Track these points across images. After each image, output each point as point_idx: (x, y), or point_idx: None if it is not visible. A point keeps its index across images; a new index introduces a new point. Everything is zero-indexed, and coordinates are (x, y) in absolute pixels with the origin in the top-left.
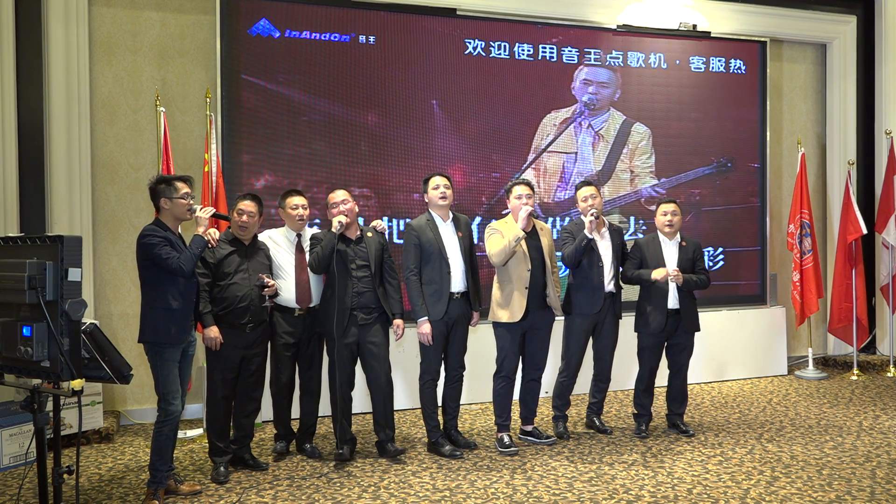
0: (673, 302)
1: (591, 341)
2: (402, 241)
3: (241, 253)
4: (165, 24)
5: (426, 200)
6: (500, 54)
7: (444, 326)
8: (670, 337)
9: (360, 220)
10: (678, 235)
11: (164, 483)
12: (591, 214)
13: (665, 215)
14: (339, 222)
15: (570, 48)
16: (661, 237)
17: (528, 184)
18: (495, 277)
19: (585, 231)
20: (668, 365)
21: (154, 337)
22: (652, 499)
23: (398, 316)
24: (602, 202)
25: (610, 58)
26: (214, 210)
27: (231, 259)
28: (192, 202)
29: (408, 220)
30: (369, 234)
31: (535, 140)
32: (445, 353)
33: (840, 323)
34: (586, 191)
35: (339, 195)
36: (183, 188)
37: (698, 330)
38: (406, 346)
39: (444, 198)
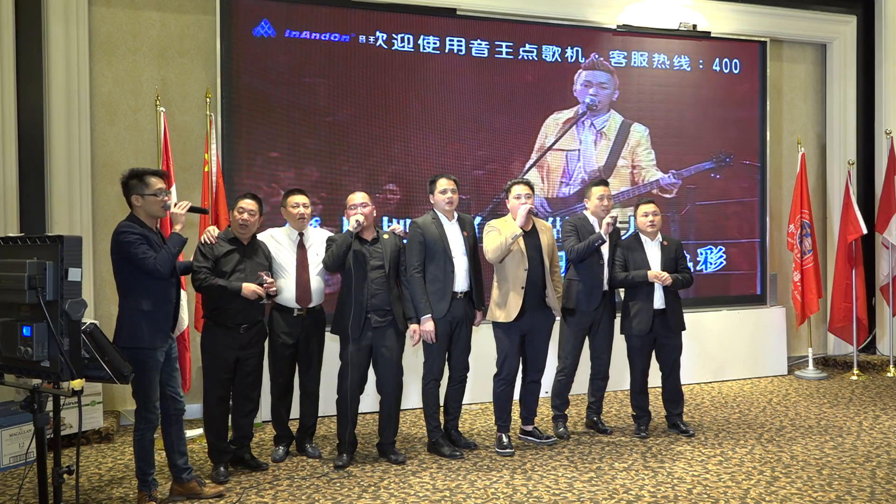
0: (659, 302)
1: (587, 341)
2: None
3: (239, 252)
4: (165, 24)
5: (432, 201)
6: (492, 54)
7: (447, 326)
8: (658, 337)
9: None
10: (659, 235)
11: (155, 484)
12: (611, 218)
13: (646, 216)
14: (357, 221)
15: (569, 48)
16: (643, 238)
17: (528, 183)
18: (494, 276)
19: (602, 231)
20: (659, 367)
21: (130, 342)
22: (652, 499)
23: (414, 320)
24: (612, 203)
25: (610, 58)
26: (191, 205)
27: (229, 258)
28: (166, 199)
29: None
30: (385, 237)
31: (538, 139)
32: (449, 353)
33: (840, 323)
34: (601, 190)
35: (359, 197)
36: (156, 184)
37: (684, 328)
38: (406, 346)
39: (450, 202)
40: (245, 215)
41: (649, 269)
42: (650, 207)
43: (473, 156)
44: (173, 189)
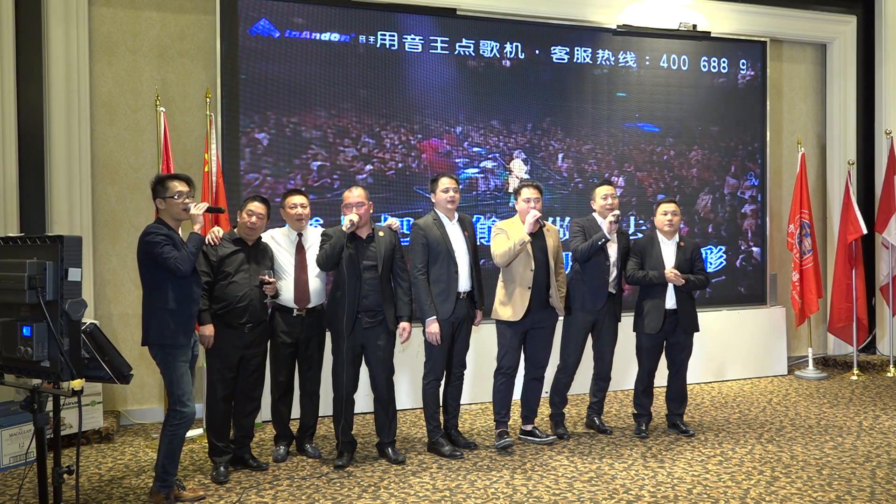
0: (671, 302)
1: (590, 341)
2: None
3: (244, 253)
4: (165, 24)
5: (433, 201)
6: (491, 54)
7: (449, 326)
8: (669, 337)
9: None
10: (677, 235)
11: (173, 487)
12: (614, 215)
13: (665, 215)
14: (351, 220)
15: (570, 48)
16: (660, 237)
17: (537, 186)
18: (500, 276)
19: (605, 230)
20: (667, 365)
21: (159, 339)
22: (652, 499)
23: (405, 318)
24: (618, 202)
25: (609, 58)
26: (208, 205)
27: (233, 258)
28: (187, 201)
29: (410, 220)
30: (381, 234)
31: (541, 138)
32: (449, 352)
33: (840, 323)
34: (605, 189)
35: (355, 194)
36: (175, 187)
37: (697, 330)
38: (405, 345)
39: (452, 201)
40: (254, 218)
41: (664, 268)
42: (671, 207)
43: (474, 155)
44: None
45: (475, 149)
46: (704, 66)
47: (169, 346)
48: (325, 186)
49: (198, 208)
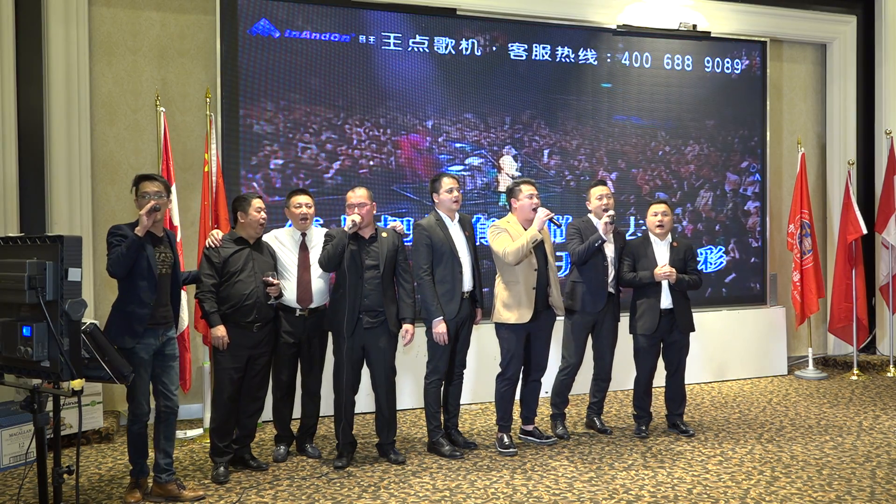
0: (666, 302)
1: (590, 341)
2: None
3: (246, 252)
4: (165, 24)
5: (436, 201)
6: (492, 54)
7: (454, 326)
8: (665, 337)
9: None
10: (669, 236)
11: (144, 473)
12: (609, 216)
13: (655, 216)
14: (354, 221)
15: (570, 48)
16: (653, 238)
17: (534, 183)
18: (499, 278)
19: (600, 232)
20: (665, 365)
21: (106, 335)
22: (652, 499)
23: (408, 321)
24: (613, 202)
25: (609, 58)
26: (153, 205)
27: (236, 258)
28: (152, 202)
29: (410, 220)
30: (384, 234)
31: (540, 138)
32: (451, 352)
33: (840, 323)
34: (600, 190)
35: (358, 194)
36: (143, 188)
37: (693, 330)
38: (407, 347)
39: (456, 201)
40: (263, 213)
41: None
42: (660, 207)
43: (473, 154)
44: (174, 189)
45: (458, 144)
46: (704, 66)
47: (123, 347)
48: (310, 188)
49: (144, 210)
